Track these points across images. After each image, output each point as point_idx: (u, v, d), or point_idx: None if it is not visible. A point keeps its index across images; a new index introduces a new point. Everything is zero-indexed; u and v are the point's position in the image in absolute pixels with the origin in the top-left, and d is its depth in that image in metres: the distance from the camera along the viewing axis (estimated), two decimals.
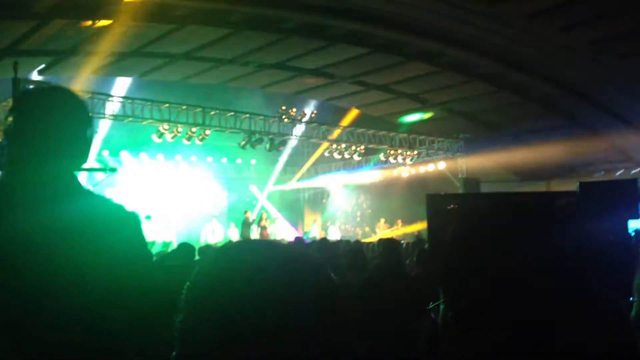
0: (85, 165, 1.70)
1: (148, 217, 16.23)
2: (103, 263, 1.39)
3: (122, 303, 1.40)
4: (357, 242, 6.26)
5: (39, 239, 1.37)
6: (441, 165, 18.58)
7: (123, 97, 13.34)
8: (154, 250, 11.68)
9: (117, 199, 1.59)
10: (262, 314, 0.76)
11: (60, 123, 1.56)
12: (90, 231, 1.43)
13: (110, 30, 11.37)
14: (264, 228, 17.59)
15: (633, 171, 17.57)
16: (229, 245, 0.88)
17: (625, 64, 12.74)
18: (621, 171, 17.84)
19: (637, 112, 14.74)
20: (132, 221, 1.55)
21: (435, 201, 3.04)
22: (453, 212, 2.87)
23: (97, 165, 14.36)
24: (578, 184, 2.73)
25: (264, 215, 18.16)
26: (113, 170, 11.39)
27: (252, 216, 17.74)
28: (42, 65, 13.18)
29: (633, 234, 6.76)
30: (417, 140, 17.92)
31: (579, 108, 15.44)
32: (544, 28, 11.73)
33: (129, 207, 1.57)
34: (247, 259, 0.81)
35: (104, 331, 1.37)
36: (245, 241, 0.86)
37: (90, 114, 1.68)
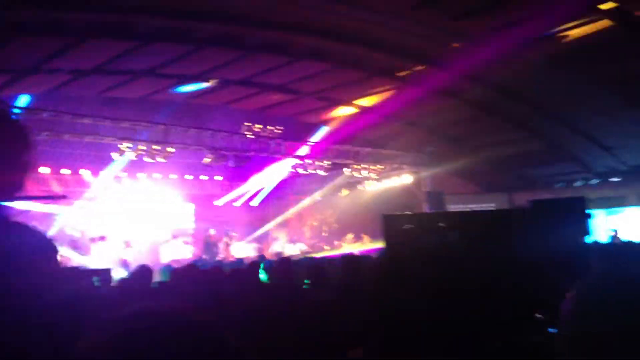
0: (29, 194, 1.64)
1: (102, 239, 15.98)
2: (17, 293, 1.35)
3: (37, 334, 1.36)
4: (320, 259, 6.24)
5: None
6: (406, 179, 18.78)
7: (83, 115, 13.08)
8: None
9: (37, 228, 1.54)
10: None
11: None
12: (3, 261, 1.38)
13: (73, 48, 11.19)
14: (227, 245, 17.44)
15: (591, 182, 18.04)
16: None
17: (583, 77, 13.09)
18: (580, 181, 18.30)
19: (594, 123, 15.17)
20: (46, 250, 1.50)
21: (391, 221, 3.07)
22: (408, 232, 2.90)
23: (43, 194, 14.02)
24: (528, 201, 2.79)
25: (229, 232, 17.99)
26: (62, 197, 11.06)
27: (215, 234, 17.54)
28: None
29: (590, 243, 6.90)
30: (382, 154, 18.06)
31: (538, 121, 15.82)
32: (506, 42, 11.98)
33: (45, 236, 1.52)
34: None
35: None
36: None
37: (28, 137, 1.55)
